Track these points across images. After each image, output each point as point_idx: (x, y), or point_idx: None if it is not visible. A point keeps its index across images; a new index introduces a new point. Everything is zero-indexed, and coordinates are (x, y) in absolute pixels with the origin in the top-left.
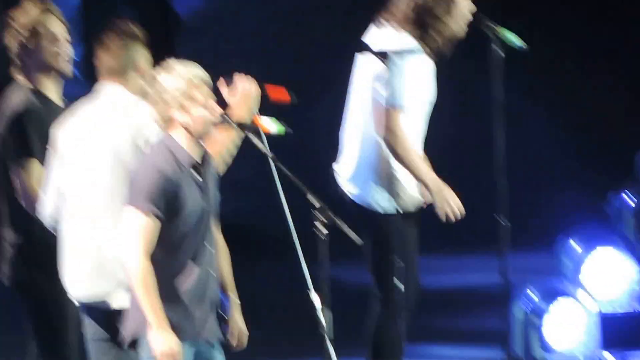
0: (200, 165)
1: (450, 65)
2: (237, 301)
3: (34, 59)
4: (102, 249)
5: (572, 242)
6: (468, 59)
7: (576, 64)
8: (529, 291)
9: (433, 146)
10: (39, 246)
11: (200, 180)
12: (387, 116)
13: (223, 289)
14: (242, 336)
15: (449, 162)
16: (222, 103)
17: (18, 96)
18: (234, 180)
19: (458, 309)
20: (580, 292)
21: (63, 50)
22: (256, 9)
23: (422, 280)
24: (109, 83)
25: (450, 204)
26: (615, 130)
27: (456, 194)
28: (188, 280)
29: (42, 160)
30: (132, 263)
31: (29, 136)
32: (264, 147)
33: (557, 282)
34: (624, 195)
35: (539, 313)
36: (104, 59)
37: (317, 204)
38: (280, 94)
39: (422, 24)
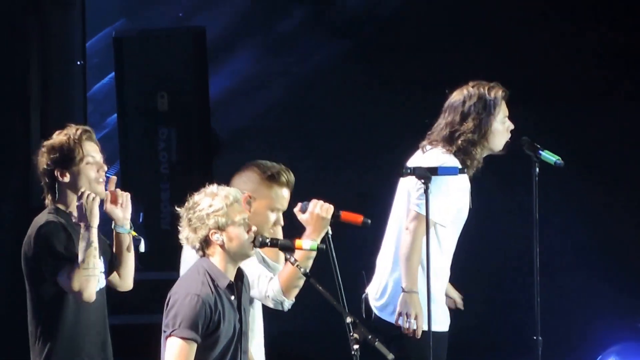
0: (235, 285)
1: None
2: None
3: (70, 182)
4: None
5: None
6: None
7: (612, 184)
8: None
9: (477, 260)
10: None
11: (235, 300)
12: (414, 218)
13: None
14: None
15: (490, 277)
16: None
17: (42, 216)
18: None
19: None
20: None
21: (100, 174)
22: (294, 133)
23: None
24: None
25: (411, 324)
26: None
27: (496, 313)
28: None
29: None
30: None
31: (55, 246)
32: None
33: None
34: None
35: None
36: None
37: (349, 319)
38: (354, 217)
39: (460, 147)
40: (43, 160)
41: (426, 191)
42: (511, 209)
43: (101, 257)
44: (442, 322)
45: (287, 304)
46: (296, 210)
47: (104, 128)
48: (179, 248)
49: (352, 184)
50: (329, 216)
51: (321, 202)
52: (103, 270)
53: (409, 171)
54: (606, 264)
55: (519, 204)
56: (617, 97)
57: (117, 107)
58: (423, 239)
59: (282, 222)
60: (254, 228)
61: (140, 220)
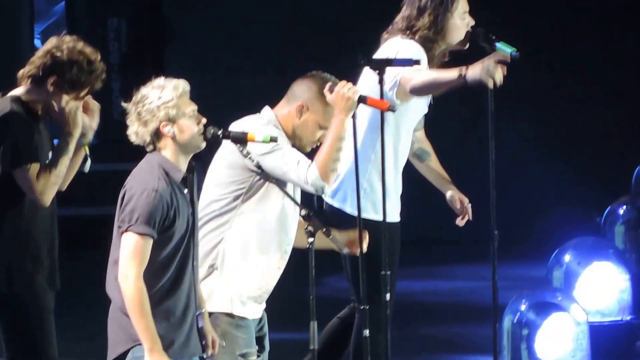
0: (187, 178)
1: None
2: (206, 311)
3: (51, 93)
4: None
5: (566, 255)
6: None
7: (569, 81)
8: (521, 305)
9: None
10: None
11: (188, 194)
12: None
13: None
14: (215, 344)
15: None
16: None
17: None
18: None
19: (448, 318)
20: (572, 306)
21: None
22: (250, 14)
23: (415, 294)
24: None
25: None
26: (611, 145)
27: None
28: (175, 297)
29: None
30: (127, 286)
31: (22, 138)
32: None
33: (548, 295)
34: (617, 208)
35: (529, 325)
36: None
37: (303, 212)
38: (379, 103)
39: (421, 36)
40: (47, 57)
41: (381, 82)
42: (466, 103)
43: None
44: (392, 214)
45: (327, 188)
46: (325, 90)
47: (51, 16)
48: (127, 139)
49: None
50: (355, 97)
51: (349, 84)
52: None
53: (363, 61)
54: (565, 157)
55: (473, 96)
56: None
57: None
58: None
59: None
60: (203, 120)
61: None
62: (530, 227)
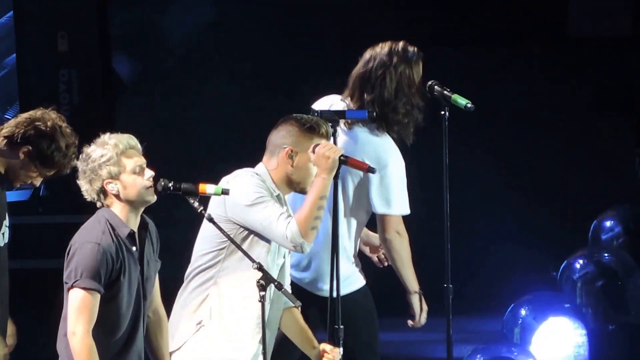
0: (138, 235)
1: None
2: None
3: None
4: None
5: (522, 310)
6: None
7: (526, 133)
8: (475, 358)
9: None
10: None
11: (136, 250)
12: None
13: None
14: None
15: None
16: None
17: None
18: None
19: None
20: None
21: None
22: (198, 66)
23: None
24: None
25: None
26: (568, 199)
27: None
28: (128, 357)
29: None
30: (75, 342)
31: None
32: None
33: (504, 349)
34: (573, 262)
35: None
36: None
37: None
38: (359, 165)
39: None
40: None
41: (334, 134)
42: (421, 155)
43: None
44: (359, 278)
45: (307, 246)
46: (309, 151)
47: (2, 68)
48: (80, 191)
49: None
50: (336, 157)
51: (330, 144)
52: (8, 224)
53: (316, 114)
54: (520, 212)
55: (428, 149)
56: (524, 41)
57: (16, 47)
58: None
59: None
60: (150, 173)
61: None
62: (485, 281)
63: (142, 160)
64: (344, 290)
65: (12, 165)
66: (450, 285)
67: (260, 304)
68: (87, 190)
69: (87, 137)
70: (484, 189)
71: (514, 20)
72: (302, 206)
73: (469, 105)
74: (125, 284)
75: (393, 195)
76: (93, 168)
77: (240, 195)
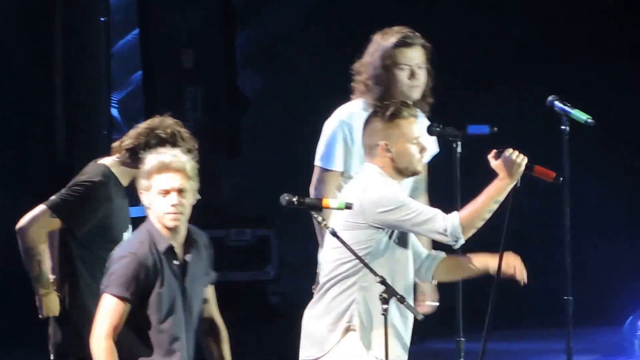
0: (183, 248)
1: (517, 142)
2: None
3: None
4: None
5: None
6: (537, 135)
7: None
8: None
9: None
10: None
11: (177, 263)
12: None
13: None
14: None
15: (520, 237)
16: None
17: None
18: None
19: None
20: None
21: None
22: (317, 88)
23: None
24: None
25: None
26: None
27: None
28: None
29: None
30: (95, 344)
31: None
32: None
33: None
34: None
35: None
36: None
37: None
38: (546, 173)
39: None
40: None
41: (456, 150)
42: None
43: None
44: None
45: (462, 241)
46: (490, 156)
47: (128, 85)
48: (204, 206)
49: None
50: (523, 164)
51: (517, 151)
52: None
53: (438, 129)
54: (638, 223)
55: (550, 162)
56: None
57: (142, 64)
58: None
59: (426, 149)
60: (174, 200)
61: None
62: (604, 293)
63: (174, 185)
64: None
65: (136, 176)
66: (571, 298)
67: (383, 317)
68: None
69: (213, 153)
70: (601, 198)
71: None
72: (472, 203)
73: (589, 120)
74: (164, 295)
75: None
76: (139, 174)
77: (385, 201)
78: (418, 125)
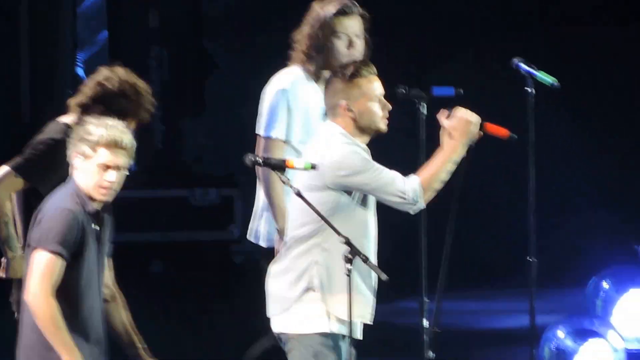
0: (98, 213)
1: (482, 105)
2: (143, 347)
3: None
4: None
5: (604, 283)
6: (502, 97)
7: (608, 107)
8: (558, 331)
9: (468, 185)
10: None
11: (97, 229)
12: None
13: (127, 340)
14: None
15: (483, 200)
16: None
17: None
18: None
19: (487, 350)
20: (609, 332)
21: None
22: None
23: (453, 321)
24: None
25: None
26: None
27: (489, 235)
28: (87, 331)
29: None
30: (37, 303)
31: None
32: (288, 182)
33: (586, 322)
34: None
35: (567, 353)
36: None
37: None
38: (498, 130)
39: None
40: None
41: (421, 112)
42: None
43: None
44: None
45: (421, 206)
46: (439, 115)
47: (94, 45)
48: (169, 166)
49: None
50: (476, 122)
51: (467, 110)
52: None
53: (403, 92)
54: (604, 185)
55: (515, 124)
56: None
57: (108, 24)
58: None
59: (389, 106)
60: (114, 177)
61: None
62: (567, 254)
63: (118, 163)
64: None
65: None
66: (535, 259)
67: (345, 278)
68: (68, 152)
69: (178, 113)
70: (566, 159)
71: None
72: (428, 165)
73: (555, 83)
74: (86, 257)
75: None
76: (80, 137)
77: (345, 164)
78: (379, 83)
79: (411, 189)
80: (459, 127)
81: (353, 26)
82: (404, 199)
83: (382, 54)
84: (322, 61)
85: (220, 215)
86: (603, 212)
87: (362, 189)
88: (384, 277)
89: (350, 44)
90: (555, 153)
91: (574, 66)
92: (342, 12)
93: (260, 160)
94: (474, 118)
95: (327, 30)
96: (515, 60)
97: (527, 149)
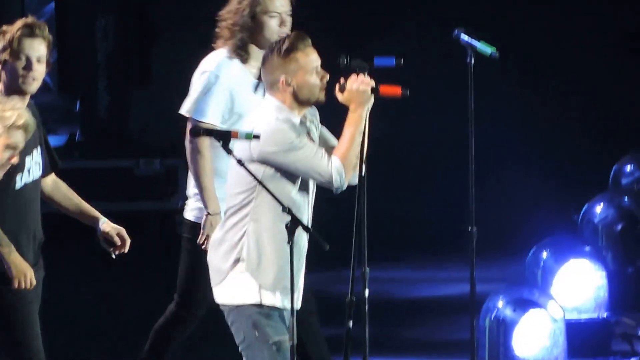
0: None
1: (424, 76)
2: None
3: (5, 76)
4: None
5: (543, 253)
6: (439, 69)
7: (549, 77)
8: (498, 301)
9: (409, 155)
10: None
11: None
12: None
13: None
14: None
15: (424, 170)
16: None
17: None
18: None
19: (427, 319)
20: (549, 302)
21: (31, 72)
22: None
23: (393, 291)
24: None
25: None
26: (589, 143)
27: (430, 204)
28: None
29: None
30: None
31: None
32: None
33: (525, 292)
34: (594, 205)
35: (507, 323)
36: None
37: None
38: (392, 90)
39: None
40: None
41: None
42: (446, 100)
43: (38, 147)
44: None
45: (344, 186)
46: (336, 91)
47: (41, 16)
48: (113, 136)
49: None
50: (369, 88)
51: (360, 77)
52: (39, 161)
53: (345, 61)
54: (542, 155)
55: (454, 94)
56: None
57: None
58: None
59: (327, 76)
60: (10, 155)
61: (77, 108)
62: (507, 224)
63: (15, 142)
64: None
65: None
66: (475, 229)
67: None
68: None
69: (125, 82)
70: (505, 131)
71: None
72: (340, 144)
73: (494, 53)
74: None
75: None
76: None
77: (272, 141)
78: (315, 54)
79: (336, 171)
80: (354, 98)
81: (285, 5)
82: (330, 181)
83: (325, 25)
84: (249, 40)
85: (164, 185)
86: (544, 182)
87: (288, 168)
88: (326, 246)
89: (281, 22)
90: (496, 122)
91: (516, 35)
92: None
93: (205, 131)
94: (365, 85)
95: (257, 8)
96: (457, 31)
97: (467, 119)
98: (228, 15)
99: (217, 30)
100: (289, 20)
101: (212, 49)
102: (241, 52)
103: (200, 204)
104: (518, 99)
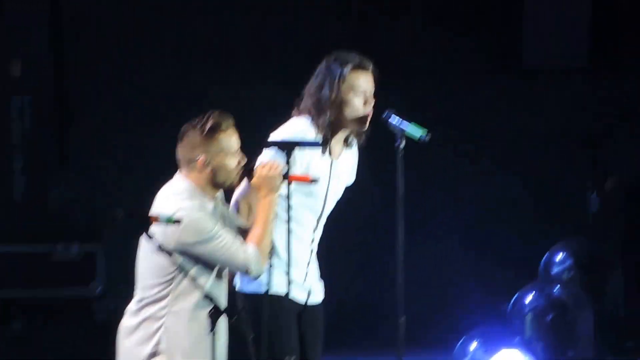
0: None
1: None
2: None
3: None
4: None
5: (472, 343)
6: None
7: (479, 161)
8: None
9: (340, 241)
10: None
11: None
12: None
13: None
14: None
15: (353, 260)
16: None
17: None
18: None
19: None
20: None
21: None
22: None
23: None
24: None
25: None
26: (520, 232)
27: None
28: None
29: None
30: None
31: None
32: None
33: None
34: (524, 295)
35: None
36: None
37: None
38: (300, 177)
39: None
40: None
41: (289, 162)
42: (376, 184)
43: None
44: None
45: (260, 273)
46: (247, 180)
47: None
48: (31, 219)
49: None
50: (278, 173)
51: (270, 163)
52: None
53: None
54: (473, 243)
55: (384, 178)
56: (475, 67)
57: None
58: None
59: (245, 160)
60: None
61: None
62: (436, 314)
63: None
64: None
65: None
66: (403, 318)
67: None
68: None
69: (38, 163)
70: (433, 219)
71: (468, 50)
72: (254, 230)
73: (423, 136)
74: None
75: None
76: None
77: (192, 231)
78: (236, 135)
79: (253, 259)
80: (264, 184)
81: (369, 83)
82: (248, 270)
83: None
84: (334, 115)
85: (82, 271)
86: (474, 269)
87: (206, 259)
88: (250, 335)
89: (365, 102)
90: (422, 209)
91: (444, 116)
92: (361, 67)
93: (123, 216)
94: (275, 171)
95: (344, 85)
96: (386, 113)
97: (396, 204)
98: (313, 90)
99: (300, 102)
100: (372, 102)
101: (132, 129)
102: (321, 126)
103: None
104: (447, 178)
